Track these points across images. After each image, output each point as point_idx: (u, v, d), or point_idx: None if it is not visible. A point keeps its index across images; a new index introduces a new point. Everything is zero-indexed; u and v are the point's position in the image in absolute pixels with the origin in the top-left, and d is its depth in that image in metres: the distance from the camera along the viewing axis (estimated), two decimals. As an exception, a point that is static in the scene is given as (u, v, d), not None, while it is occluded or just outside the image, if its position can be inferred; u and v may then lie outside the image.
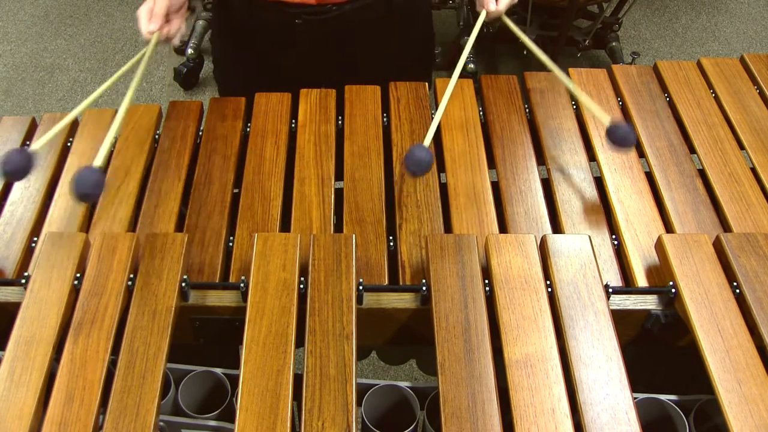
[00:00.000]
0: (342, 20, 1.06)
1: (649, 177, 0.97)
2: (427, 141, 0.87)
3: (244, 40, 1.14)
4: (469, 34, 1.02)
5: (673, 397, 0.79)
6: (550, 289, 0.78)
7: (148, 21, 0.98)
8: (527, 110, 1.08)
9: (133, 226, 0.92)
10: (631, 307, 0.81)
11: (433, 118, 0.96)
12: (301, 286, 0.78)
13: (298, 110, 1.05)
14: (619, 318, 0.79)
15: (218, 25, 1.21)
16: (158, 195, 0.95)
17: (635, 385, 0.71)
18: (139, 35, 0.99)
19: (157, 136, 1.04)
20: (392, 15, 1.10)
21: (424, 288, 0.79)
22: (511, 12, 1.06)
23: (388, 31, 1.13)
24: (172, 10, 1.00)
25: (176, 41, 1.02)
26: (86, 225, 0.92)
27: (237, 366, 0.74)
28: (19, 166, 0.79)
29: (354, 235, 0.82)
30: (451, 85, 0.95)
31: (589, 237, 0.83)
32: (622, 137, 0.90)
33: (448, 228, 0.91)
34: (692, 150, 1.01)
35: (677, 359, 0.94)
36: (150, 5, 0.98)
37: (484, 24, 1.04)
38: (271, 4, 1.04)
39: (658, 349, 0.94)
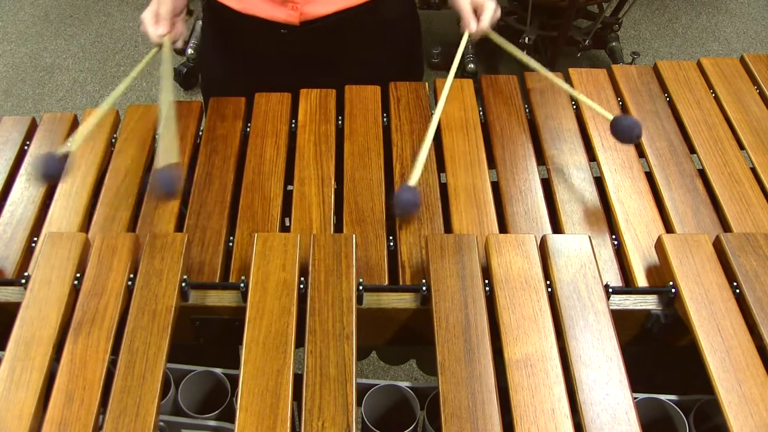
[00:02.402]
0: (328, 30, 1.06)
1: (649, 177, 0.97)
2: (414, 180, 0.87)
3: (232, 43, 1.14)
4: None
5: (673, 397, 0.79)
6: (550, 289, 0.78)
7: (155, 25, 0.99)
8: (527, 110, 1.08)
9: (133, 226, 0.92)
10: (631, 307, 0.81)
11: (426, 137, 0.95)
12: (301, 286, 0.78)
13: (298, 110, 1.05)
14: (619, 318, 0.79)
15: (207, 27, 1.21)
16: (158, 195, 0.95)
17: (635, 385, 0.71)
18: (140, 36, 0.99)
19: (157, 136, 1.04)
20: (379, 23, 1.11)
21: (424, 288, 0.79)
22: (511, 12, 1.06)
23: (376, 39, 1.13)
24: (176, 14, 1.02)
25: (179, 44, 1.04)
26: (86, 225, 0.92)
27: (237, 366, 0.74)
28: (53, 171, 0.83)
29: (354, 235, 0.82)
30: (441, 100, 0.97)
31: (589, 237, 0.83)
32: (626, 128, 0.90)
33: (448, 228, 0.91)
34: (692, 150, 1.01)
35: (677, 359, 0.94)
36: (154, 8, 1.00)
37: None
38: (257, 18, 1.05)
39: (658, 349, 0.94)
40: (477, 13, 1.03)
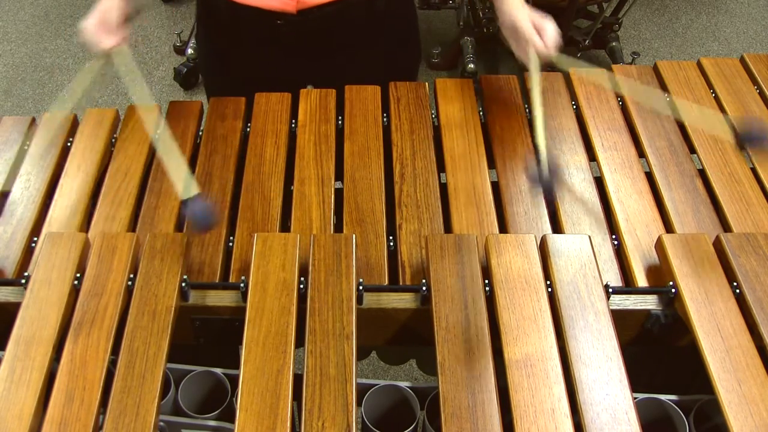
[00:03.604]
0: (323, 21, 1.05)
1: (649, 177, 0.97)
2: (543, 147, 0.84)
3: (227, 37, 1.14)
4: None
5: (673, 397, 0.79)
6: (550, 289, 0.78)
7: (104, 34, 0.93)
8: (527, 110, 1.07)
9: (133, 226, 0.92)
10: (631, 307, 0.81)
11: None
12: (301, 286, 0.78)
13: (298, 110, 1.05)
14: (619, 318, 0.79)
15: (202, 22, 1.19)
16: (158, 195, 0.95)
17: (635, 385, 0.71)
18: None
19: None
20: (374, 16, 1.10)
21: (424, 288, 0.79)
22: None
23: (371, 32, 1.12)
24: (126, 20, 0.96)
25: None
26: (86, 225, 0.92)
27: (237, 366, 0.74)
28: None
29: (354, 235, 0.82)
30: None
31: (589, 237, 0.83)
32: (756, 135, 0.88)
33: (448, 228, 0.91)
34: (692, 150, 1.01)
35: (677, 359, 0.94)
36: (99, 16, 0.93)
37: (485, 24, 1.02)
38: (253, 8, 1.04)
39: (658, 349, 0.94)
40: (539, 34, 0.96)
